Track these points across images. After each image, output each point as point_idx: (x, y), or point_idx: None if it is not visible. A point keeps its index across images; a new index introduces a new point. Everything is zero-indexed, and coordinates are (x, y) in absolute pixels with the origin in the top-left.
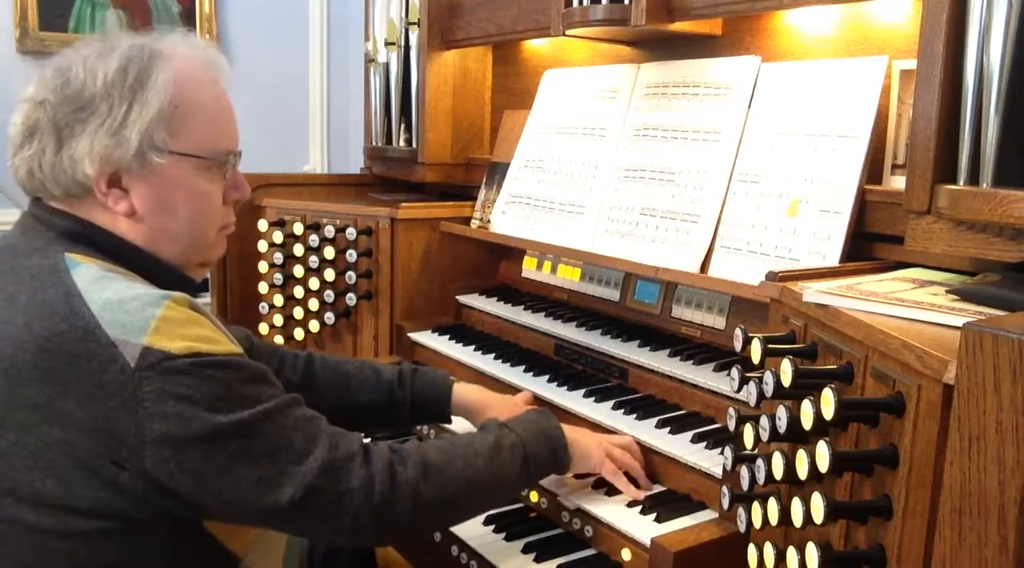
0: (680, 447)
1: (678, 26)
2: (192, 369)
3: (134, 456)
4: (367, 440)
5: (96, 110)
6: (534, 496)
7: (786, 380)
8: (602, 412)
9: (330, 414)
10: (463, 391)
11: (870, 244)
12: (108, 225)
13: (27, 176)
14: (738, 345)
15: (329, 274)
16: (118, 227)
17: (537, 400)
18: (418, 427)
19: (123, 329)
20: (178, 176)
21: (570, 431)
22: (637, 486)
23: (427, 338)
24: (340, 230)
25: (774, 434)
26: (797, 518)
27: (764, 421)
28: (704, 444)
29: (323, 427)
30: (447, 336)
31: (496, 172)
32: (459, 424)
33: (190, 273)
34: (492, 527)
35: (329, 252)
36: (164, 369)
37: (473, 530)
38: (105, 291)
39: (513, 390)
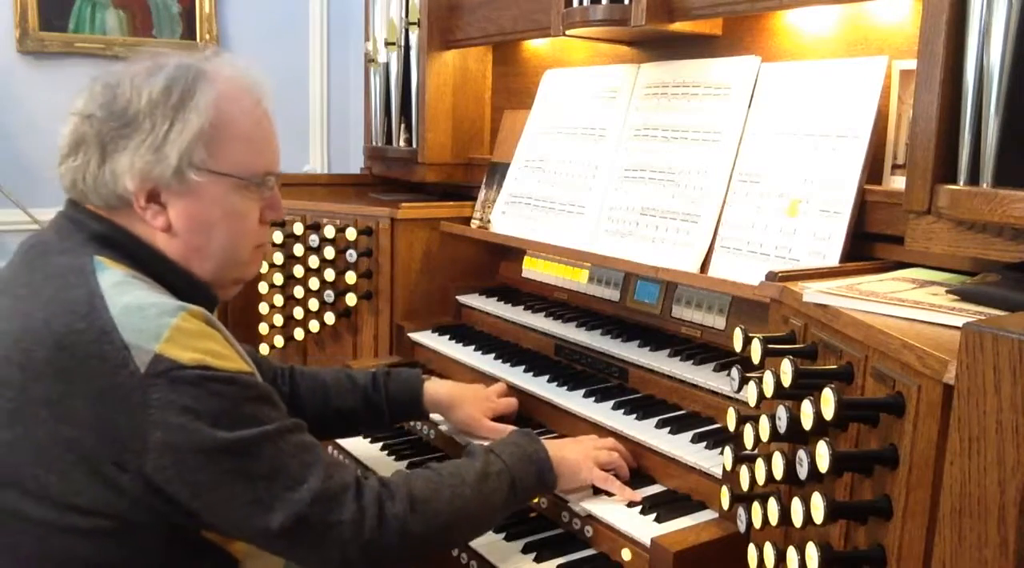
0: (680, 447)
1: (678, 26)
2: (199, 381)
3: (136, 459)
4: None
5: (139, 127)
6: None
7: (786, 380)
8: (602, 412)
9: (312, 422)
10: (433, 390)
11: (870, 244)
12: (145, 237)
13: (71, 185)
14: (738, 345)
15: (329, 274)
16: (155, 240)
17: (537, 400)
18: (417, 426)
19: (138, 334)
20: (215, 195)
21: (555, 449)
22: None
23: (427, 338)
24: (340, 230)
25: (774, 434)
26: (797, 518)
27: (764, 421)
28: (704, 444)
29: (320, 455)
30: (447, 336)
31: (496, 172)
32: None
33: (223, 291)
34: None
35: (329, 252)
36: (172, 378)
37: None
38: (126, 295)
39: (513, 390)
